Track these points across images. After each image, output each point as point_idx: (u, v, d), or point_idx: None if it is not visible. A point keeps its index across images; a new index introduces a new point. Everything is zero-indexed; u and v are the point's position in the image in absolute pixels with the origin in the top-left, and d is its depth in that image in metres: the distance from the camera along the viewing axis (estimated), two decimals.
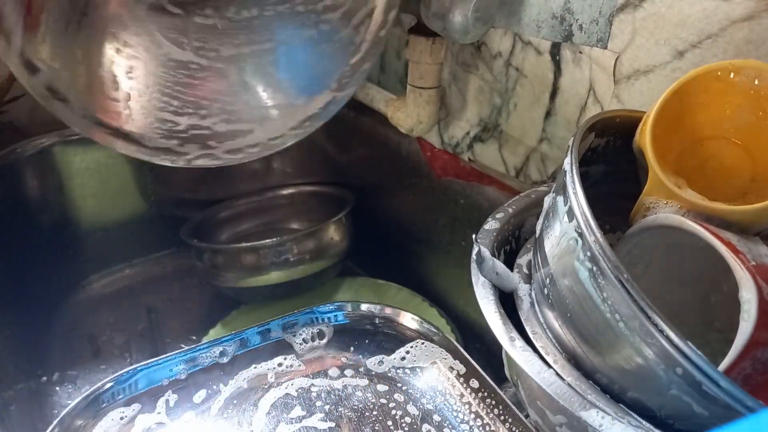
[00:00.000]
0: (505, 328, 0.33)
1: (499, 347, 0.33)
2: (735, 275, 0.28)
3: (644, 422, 0.27)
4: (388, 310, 0.52)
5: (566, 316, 0.31)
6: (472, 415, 0.45)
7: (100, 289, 0.77)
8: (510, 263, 0.38)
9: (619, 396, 0.29)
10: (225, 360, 0.49)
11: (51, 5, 0.40)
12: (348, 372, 0.50)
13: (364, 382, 0.49)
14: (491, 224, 0.40)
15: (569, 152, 0.32)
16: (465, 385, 0.47)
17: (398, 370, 0.50)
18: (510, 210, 0.41)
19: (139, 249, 0.81)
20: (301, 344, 0.51)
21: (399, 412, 0.46)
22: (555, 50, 0.49)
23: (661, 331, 0.25)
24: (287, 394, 0.48)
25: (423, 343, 0.50)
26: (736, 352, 0.27)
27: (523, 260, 0.39)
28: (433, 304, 0.71)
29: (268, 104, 0.50)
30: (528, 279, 0.36)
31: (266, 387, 0.48)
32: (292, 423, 0.45)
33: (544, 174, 0.54)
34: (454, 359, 0.48)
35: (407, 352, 0.50)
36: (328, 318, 0.53)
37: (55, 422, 0.41)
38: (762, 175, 0.33)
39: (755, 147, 0.33)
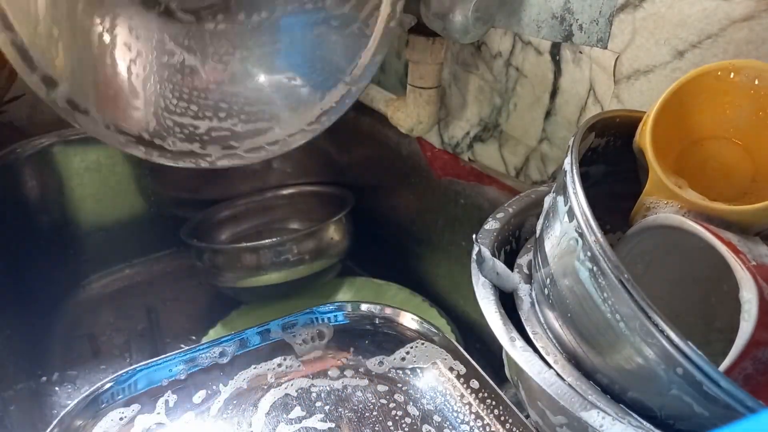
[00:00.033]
0: (505, 328, 0.33)
1: (499, 347, 0.33)
2: (735, 275, 0.28)
3: (645, 422, 0.27)
4: (388, 310, 0.52)
5: (566, 316, 0.31)
6: (473, 416, 0.45)
7: (100, 289, 0.77)
8: (510, 263, 0.38)
9: (620, 396, 0.29)
10: (225, 360, 0.49)
11: (63, 18, 0.40)
12: (348, 372, 0.50)
13: (364, 382, 0.49)
14: (491, 224, 0.40)
15: (569, 152, 0.32)
16: (465, 386, 0.47)
17: (398, 371, 0.50)
18: (510, 210, 0.41)
19: (139, 249, 0.81)
20: (300, 344, 0.51)
21: (399, 413, 0.46)
22: (555, 50, 0.49)
23: (662, 331, 0.25)
24: (287, 395, 0.48)
25: (423, 344, 0.50)
26: (736, 352, 0.27)
27: (523, 260, 0.39)
28: (433, 304, 0.71)
29: (285, 102, 0.50)
30: (528, 279, 0.36)
31: (266, 387, 0.48)
32: (291, 423, 0.45)
33: (544, 174, 0.54)
34: (454, 359, 0.48)
35: (407, 353, 0.50)
36: (328, 318, 0.53)
37: (54, 422, 0.41)
38: (762, 175, 0.33)
39: (755, 147, 0.33)
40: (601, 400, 0.29)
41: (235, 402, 0.47)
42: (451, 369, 0.48)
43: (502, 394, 0.44)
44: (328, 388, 0.48)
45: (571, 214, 0.30)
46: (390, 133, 0.71)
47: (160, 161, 0.45)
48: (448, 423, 0.45)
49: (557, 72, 0.49)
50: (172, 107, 0.46)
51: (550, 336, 0.33)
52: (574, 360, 0.31)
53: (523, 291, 0.35)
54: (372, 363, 0.50)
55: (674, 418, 0.27)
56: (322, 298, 0.73)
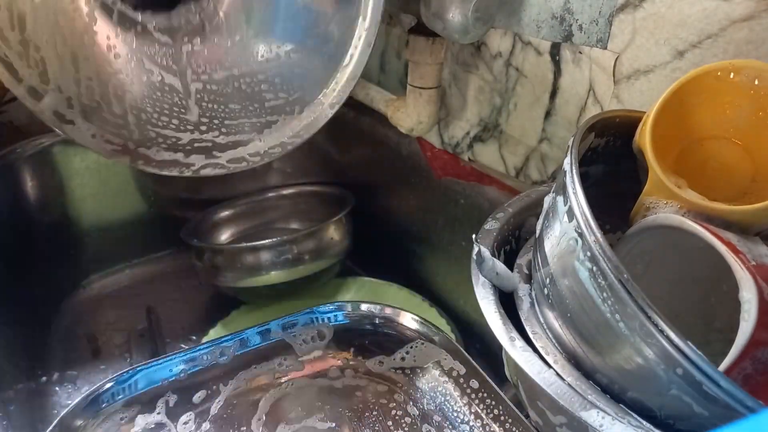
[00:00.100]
0: (505, 328, 0.33)
1: (499, 347, 0.33)
2: (735, 275, 0.28)
3: (644, 422, 0.27)
4: (388, 310, 0.52)
5: (566, 316, 0.31)
6: (472, 416, 0.45)
7: (100, 289, 0.77)
8: (510, 263, 0.38)
9: (619, 396, 0.29)
10: (225, 360, 0.49)
11: (47, 33, 0.42)
12: (348, 372, 0.50)
13: (364, 382, 0.49)
14: (491, 224, 0.40)
15: (569, 152, 0.32)
16: (465, 386, 0.47)
17: (398, 371, 0.50)
18: (510, 210, 0.41)
19: (139, 249, 0.81)
20: (301, 344, 0.51)
21: (399, 413, 0.46)
22: (555, 50, 0.49)
23: (662, 331, 0.25)
24: (287, 394, 0.48)
25: (423, 343, 0.50)
26: (736, 352, 0.27)
27: (523, 260, 0.39)
28: (433, 304, 0.71)
29: (265, 117, 0.52)
30: (528, 279, 0.36)
31: (266, 387, 0.48)
32: (291, 423, 0.45)
33: (544, 174, 0.54)
34: (454, 359, 0.48)
35: (407, 353, 0.50)
36: (328, 318, 0.53)
37: (55, 422, 0.41)
38: (762, 175, 0.33)
39: (755, 147, 0.33)
40: (601, 399, 0.29)
41: (235, 402, 0.47)
42: (451, 369, 0.48)
43: (502, 394, 0.44)
44: (328, 388, 0.48)
45: (570, 214, 0.30)
46: (390, 133, 0.71)
47: (145, 169, 0.47)
48: (448, 423, 0.45)
49: (557, 72, 0.49)
50: (154, 120, 0.48)
51: (550, 336, 0.33)
52: (573, 360, 0.31)
53: (523, 291, 0.35)
54: (372, 363, 0.50)
55: (674, 417, 0.27)
56: (322, 298, 0.73)
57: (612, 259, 0.27)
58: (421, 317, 0.51)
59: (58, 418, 0.42)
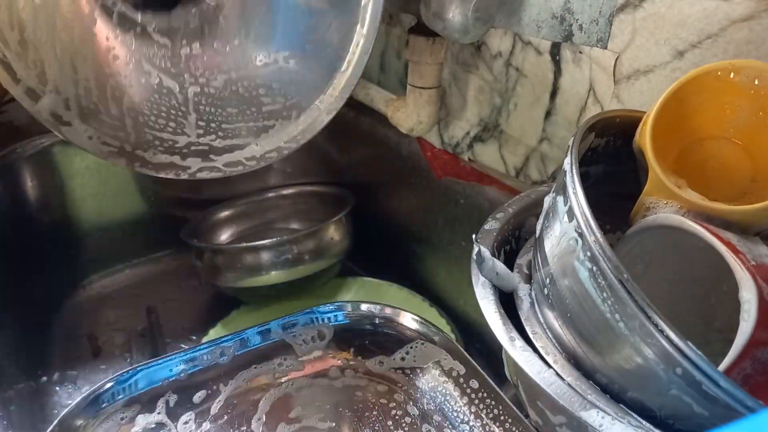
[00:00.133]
0: (505, 328, 0.33)
1: (499, 347, 0.33)
2: (735, 275, 0.28)
3: (644, 422, 0.27)
4: (388, 310, 0.52)
5: (566, 316, 0.31)
6: (472, 416, 0.45)
7: (100, 289, 0.77)
8: (510, 263, 0.38)
9: (619, 396, 0.29)
10: (225, 360, 0.49)
11: (44, 35, 0.42)
12: (348, 372, 0.50)
13: (364, 382, 0.49)
14: (491, 224, 0.40)
15: (569, 152, 0.32)
16: (465, 386, 0.47)
17: (398, 371, 0.50)
18: (510, 210, 0.41)
19: (139, 249, 0.81)
20: (301, 344, 0.51)
21: (399, 413, 0.46)
22: (555, 50, 0.49)
23: (661, 331, 0.25)
24: (287, 394, 0.48)
25: (423, 343, 0.50)
26: (736, 352, 0.27)
27: (523, 260, 0.39)
28: (433, 304, 0.71)
29: (261, 122, 0.52)
30: (528, 279, 0.36)
31: (266, 387, 0.48)
32: (291, 423, 0.45)
33: (544, 174, 0.54)
34: (454, 359, 0.48)
35: (407, 353, 0.50)
36: (328, 318, 0.53)
37: (55, 422, 0.41)
38: (762, 175, 0.33)
39: (755, 147, 0.33)
40: (601, 399, 0.29)
41: (235, 402, 0.47)
42: (451, 369, 0.48)
43: (502, 394, 0.44)
44: (328, 388, 0.48)
45: (570, 214, 0.30)
46: (390, 133, 0.71)
47: (141, 171, 0.47)
48: (448, 423, 0.45)
49: (557, 72, 0.49)
50: (152, 123, 0.48)
51: (550, 336, 0.33)
52: (573, 360, 0.31)
53: (523, 291, 0.35)
54: (372, 363, 0.50)
55: (674, 417, 0.27)
56: (322, 298, 0.73)
57: (612, 259, 0.27)
58: (421, 317, 0.51)
59: (58, 418, 0.42)
